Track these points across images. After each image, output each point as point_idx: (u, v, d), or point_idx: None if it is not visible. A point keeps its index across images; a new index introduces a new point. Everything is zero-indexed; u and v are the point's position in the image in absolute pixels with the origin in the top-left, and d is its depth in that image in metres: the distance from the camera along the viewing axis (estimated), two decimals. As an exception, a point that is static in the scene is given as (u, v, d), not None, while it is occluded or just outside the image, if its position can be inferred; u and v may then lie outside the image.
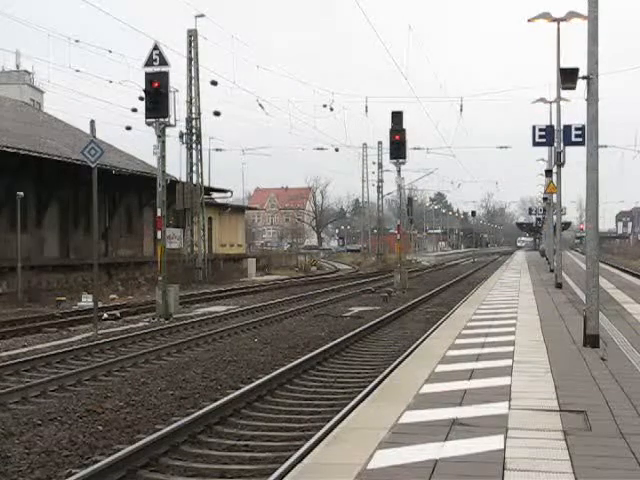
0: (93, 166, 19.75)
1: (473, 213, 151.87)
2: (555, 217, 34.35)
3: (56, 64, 40.44)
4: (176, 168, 41.37)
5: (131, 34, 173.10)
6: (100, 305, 22.34)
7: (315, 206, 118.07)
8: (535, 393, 8.63)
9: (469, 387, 8.96)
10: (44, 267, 32.28)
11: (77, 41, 36.21)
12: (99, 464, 7.74)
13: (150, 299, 27.78)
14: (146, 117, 24.09)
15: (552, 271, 34.28)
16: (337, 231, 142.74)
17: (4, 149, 29.28)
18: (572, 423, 7.22)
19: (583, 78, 12.29)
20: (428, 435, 6.79)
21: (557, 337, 13.51)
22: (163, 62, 23.85)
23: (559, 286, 27.24)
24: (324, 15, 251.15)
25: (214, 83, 42.17)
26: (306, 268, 62.28)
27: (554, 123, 27.41)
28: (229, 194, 53.23)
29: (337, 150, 63.04)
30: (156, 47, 24.06)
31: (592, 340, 12.13)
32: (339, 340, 17.05)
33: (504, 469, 5.79)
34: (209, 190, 47.93)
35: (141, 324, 22.51)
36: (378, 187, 71.79)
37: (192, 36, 41.24)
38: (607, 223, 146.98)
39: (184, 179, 41.90)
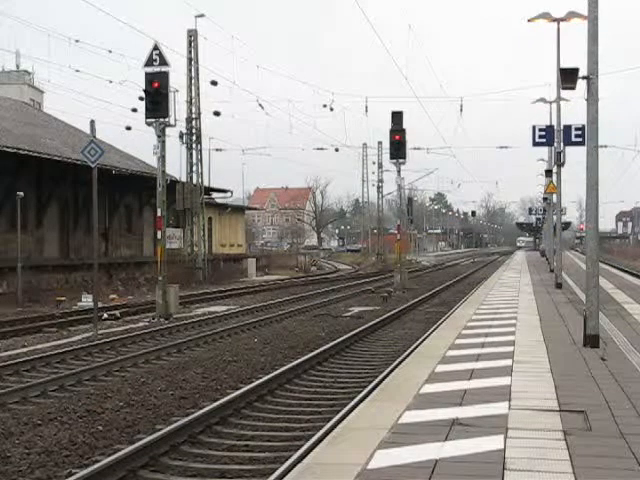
0: (93, 166, 19.75)
1: (473, 213, 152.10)
2: (555, 217, 34.35)
3: (56, 64, 40.53)
4: (176, 168, 41.46)
5: (131, 34, 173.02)
6: (100, 305, 22.33)
7: (315, 206, 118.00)
8: (535, 393, 8.63)
9: (469, 387, 8.96)
10: (44, 267, 32.29)
11: (77, 41, 36.36)
12: (99, 464, 7.74)
13: (150, 299, 27.78)
14: (146, 117, 24.10)
15: (552, 271, 34.28)
16: (337, 231, 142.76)
17: (4, 149, 29.29)
18: (572, 423, 7.22)
19: (583, 78, 12.29)
20: (428, 435, 6.79)
21: (557, 337, 13.51)
22: (163, 62, 23.86)
23: (559, 286, 27.24)
24: (324, 15, 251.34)
25: (214, 83, 42.20)
26: (306, 268, 62.28)
27: (554, 123, 27.41)
28: (229, 194, 53.29)
29: (337, 150, 63.07)
30: (156, 47, 24.08)
31: (592, 340, 12.13)
32: (339, 340, 17.05)
33: (504, 469, 5.79)
34: (209, 190, 47.94)
35: (141, 324, 22.51)
36: (378, 187, 71.84)
37: (192, 36, 41.23)
38: (607, 223, 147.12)
39: (184, 179, 41.91)
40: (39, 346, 17.64)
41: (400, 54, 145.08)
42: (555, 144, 26.23)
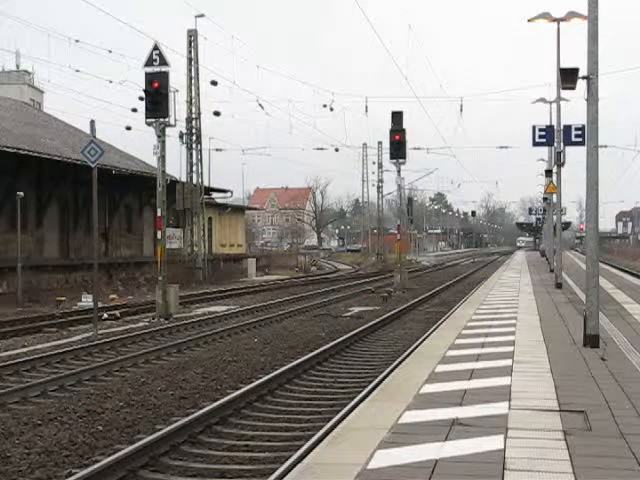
0: (93, 166, 19.75)
1: (473, 213, 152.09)
2: (555, 217, 34.35)
3: (56, 64, 40.55)
4: (176, 168, 41.46)
5: (131, 34, 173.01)
6: (100, 305, 22.33)
7: (315, 206, 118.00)
8: (535, 393, 8.63)
9: (469, 387, 8.96)
10: (44, 267, 32.29)
11: (77, 41, 36.37)
12: (99, 464, 7.74)
13: (150, 299, 27.78)
14: (146, 117, 24.10)
15: (552, 271, 34.28)
16: (337, 231, 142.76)
17: (4, 149, 29.29)
18: (572, 423, 7.22)
19: (583, 78, 12.29)
20: (428, 435, 6.79)
21: (557, 337, 13.51)
22: (163, 62, 23.86)
23: (559, 286, 27.24)
24: (324, 15, 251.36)
25: (214, 83, 42.20)
26: (306, 268, 62.28)
27: (554, 123, 27.41)
28: (229, 194, 53.29)
29: (337, 150, 63.07)
30: (156, 47, 24.08)
31: (592, 340, 12.13)
32: (339, 340, 17.05)
33: (504, 469, 5.79)
34: (209, 190, 47.94)
35: (141, 324, 22.51)
36: (378, 187, 71.83)
37: (192, 36, 41.23)
38: (607, 223, 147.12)
39: (184, 179, 41.91)
40: (39, 346, 17.64)
41: (400, 54, 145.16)
42: (555, 144, 26.23)
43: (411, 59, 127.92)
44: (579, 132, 22.71)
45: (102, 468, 7.60)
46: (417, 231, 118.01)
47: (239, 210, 62.32)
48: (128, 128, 42.19)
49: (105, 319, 22.99)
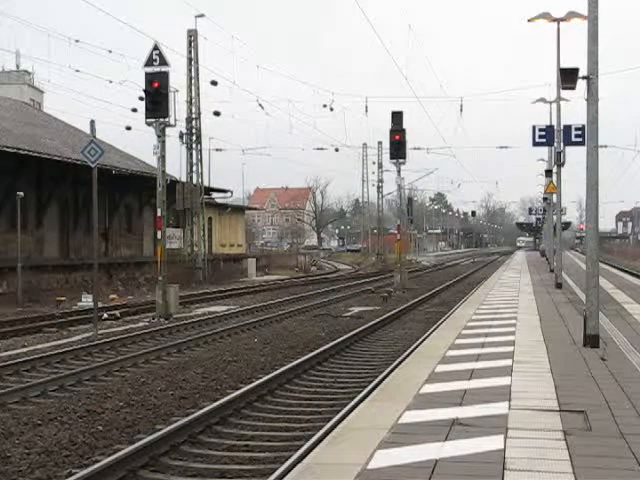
0: (93, 166, 19.75)
1: (473, 213, 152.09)
2: (555, 217, 34.35)
3: (56, 64, 40.56)
4: (176, 168, 41.46)
5: (131, 34, 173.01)
6: (100, 305, 22.33)
7: (315, 206, 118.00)
8: (535, 393, 8.63)
9: (469, 387, 8.96)
10: (44, 267, 32.29)
11: (77, 41, 36.38)
12: (99, 464, 7.74)
13: (150, 299, 27.79)
14: (146, 117, 24.10)
15: (552, 271, 34.28)
16: (337, 231, 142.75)
17: (4, 149, 29.29)
18: (572, 423, 7.22)
19: (583, 78, 12.29)
20: (428, 435, 6.79)
21: (557, 337, 13.51)
22: (163, 62, 23.86)
23: (559, 286, 27.24)
24: (324, 15, 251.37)
25: (214, 83, 42.20)
26: (306, 268, 62.29)
27: (554, 123, 27.41)
28: (229, 194, 53.29)
29: (337, 150, 63.07)
30: (156, 47, 24.07)
31: (592, 340, 12.13)
32: (339, 340, 17.05)
33: (504, 469, 5.79)
34: (209, 190, 47.94)
35: (141, 324, 22.51)
36: (378, 187, 71.84)
37: (192, 36, 41.23)
38: (607, 223, 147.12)
39: (184, 179, 41.91)
40: (39, 346, 17.64)
41: (400, 54, 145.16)
42: (555, 144, 26.23)
43: (411, 59, 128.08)
44: (579, 132, 22.71)
45: (102, 468, 7.60)
46: (417, 231, 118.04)
47: (239, 210, 62.32)
48: (128, 128, 42.22)
49: (105, 319, 22.99)
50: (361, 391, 11.30)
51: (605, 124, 13.91)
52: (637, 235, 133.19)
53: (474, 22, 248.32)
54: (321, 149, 62.36)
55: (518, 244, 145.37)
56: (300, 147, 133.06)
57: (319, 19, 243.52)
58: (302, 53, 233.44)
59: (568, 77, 12.76)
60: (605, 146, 38.09)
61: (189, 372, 13.68)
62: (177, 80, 56.31)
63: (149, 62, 23.86)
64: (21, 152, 30.38)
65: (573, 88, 12.89)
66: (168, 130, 25.70)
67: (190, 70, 41.63)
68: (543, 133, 25.35)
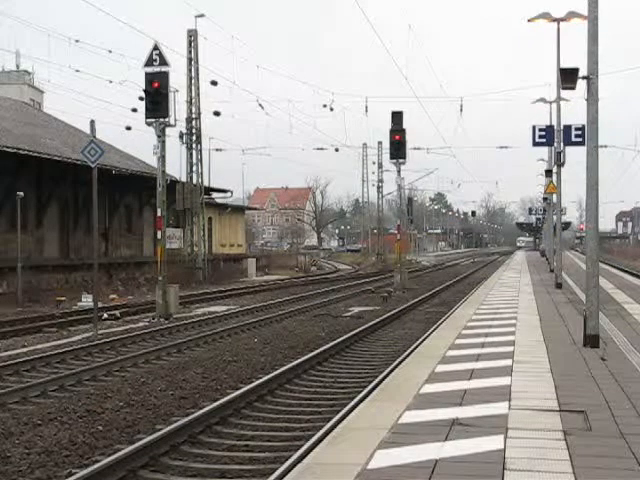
0: (93, 166, 19.75)
1: (473, 213, 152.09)
2: (555, 217, 34.35)
3: (56, 64, 40.56)
4: (176, 168, 41.46)
5: (131, 34, 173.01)
6: (100, 305, 22.33)
7: (315, 206, 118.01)
8: (535, 393, 8.63)
9: (469, 387, 8.96)
10: (44, 267, 32.29)
11: (77, 41, 36.38)
12: (99, 464, 7.74)
13: (150, 299, 27.78)
14: (146, 117, 24.10)
15: (552, 271, 34.28)
16: (337, 231, 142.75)
17: (4, 149, 29.29)
18: (572, 423, 7.21)
19: (583, 78, 12.29)
20: (428, 435, 6.79)
21: (557, 337, 13.51)
22: (163, 62, 23.86)
23: (559, 286, 27.24)
24: (324, 15, 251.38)
25: (214, 83, 42.20)
26: (306, 268, 62.28)
27: (554, 123, 27.41)
28: (229, 194, 53.29)
29: (337, 150, 63.07)
30: (156, 47, 24.07)
31: (592, 340, 12.13)
32: (339, 340, 17.05)
33: (504, 469, 5.79)
34: (209, 190, 47.95)
35: (141, 324, 22.51)
36: (378, 187, 71.84)
37: (192, 36, 41.23)
38: (607, 223, 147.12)
39: (184, 179, 41.91)
40: (39, 346, 17.64)
41: (400, 54, 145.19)
42: (555, 144, 26.22)
43: (411, 59, 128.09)
44: (579, 132, 22.71)
45: (102, 468, 7.60)
46: (417, 231, 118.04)
47: (239, 210, 62.32)
48: (128, 128, 42.22)
49: (105, 319, 22.99)
50: (361, 391, 11.30)
51: (605, 124, 13.93)
52: (637, 235, 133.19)
53: (474, 22, 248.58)
54: (321, 149, 62.42)
55: (518, 244, 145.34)
56: (300, 147, 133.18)
57: (319, 19, 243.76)
58: (302, 53, 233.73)
59: (568, 77, 12.76)
60: (605, 146, 38.11)
61: (189, 372, 13.68)
62: (177, 80, 56.38)
63: (149, 62, 23.86)
64: (21, 152, 30.39)
65: (573, 88, 12.89)
66: (168, 130, 25.75)
67: (190, 70, 41.64)
68: (543, 133, 25.35)
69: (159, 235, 25.24)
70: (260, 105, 45.78)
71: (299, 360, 14.29)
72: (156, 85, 23.58)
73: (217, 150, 58.81)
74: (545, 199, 47.85)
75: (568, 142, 24.20)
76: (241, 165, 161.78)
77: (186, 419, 9.54)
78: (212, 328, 20.80)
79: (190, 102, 41.75)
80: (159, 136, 24.53)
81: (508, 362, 10.69)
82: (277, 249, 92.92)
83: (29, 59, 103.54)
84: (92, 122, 20.54)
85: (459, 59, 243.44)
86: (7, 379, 13.47)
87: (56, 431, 9.49)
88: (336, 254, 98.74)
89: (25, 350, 16.90)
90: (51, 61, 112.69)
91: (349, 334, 18.10)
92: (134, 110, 36.12)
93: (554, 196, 34.22)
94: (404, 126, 36.11)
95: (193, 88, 41.92)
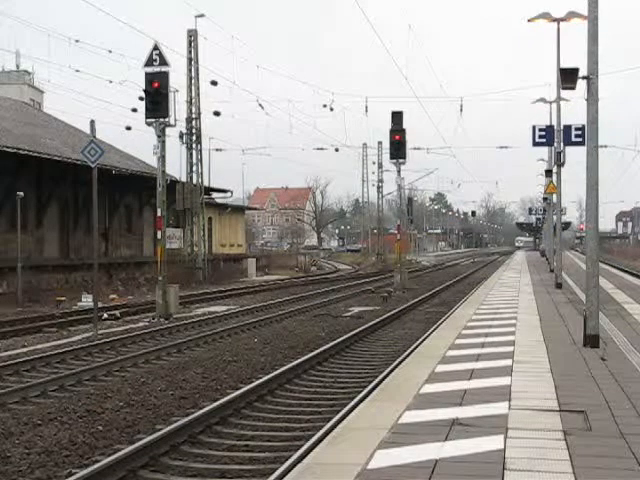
0: (93, 166, 19.75)
1: (473, 213, 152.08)
2: (555, 217, 34.35)
3: (56, 64, 40.57)
4: (176, 168, 41.46)
5: (131, 34, 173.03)
6: (100, 305, 22.33)
7: (315, 206, 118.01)
8: (535, 393, 8.63)
9: (469, 387, 8.96)
10: (44, 267, 32.29)
11: (77, 41, 36.38)
12: (99, 464, 7.74)
13: (150, 299, 27.78)
14: (146, 117, 24.10)
15: (552, 271, 34.28)
16: (337, 231, 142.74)
17: (4, 149, 29.29)
18: (572, 423, 7.21)
19: (583, 78, 12.29)
20: (428, 435, 6.79)
21: (557, 337, 13.51)
22: (163, 62, 23.86)
23: (559, 286, 27.24)
24: (324, 15, 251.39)
25: (214, 83, 42.20)
26: (306, 268, 62.28)
27: (554, 123, 27.41)
28: (229, 194, 53.29)
29: (337, 150, 63.07)
30: (156, 47, 24.08)
31: (592, 340, 12.13)
32: (339, 340, 17.05)
33: (504, 469, 5.79)
34: (209, 190, 47.95)
35: (141, 324, 22.51)
36: (378, 187, 71.84)
37: (192, 36, 41.23)
38: (607, 223, 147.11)
39: (184, 179, 41.91)
40: (39, 346, 17.64)
41: (400, 54, 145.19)
42: (555, 144, 26.22)
43: (411, 59, 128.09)
44: (579, 132, 22.71)
45: (102, 468, 7.60)
46: (417, 231, 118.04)
47: (239, 210, 62.32)
48: (128, 128, 42.22)
49: (105, 319, 22.99)
50: (361, 391, 11.30)
51: (605, 124, 13.93)
52: (637, 235, 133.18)
53: (474, 22, 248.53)
54: (321, 149, 62.42)
55: (517, 244, 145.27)
56: (300, 147, 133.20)
57: (319, 19, 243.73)
58: (302, 53, 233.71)
59: (568, 77, 12.76)
60: (605, 146, 38.11)
61: (189, 372, 13.68)
62: (177, 80, 56.36)
63: (149, 62, 23.86)
64: (21, 152, 30.39)
65: (573, 88, 12.89)
66: (168, 130, 25.75)
67: (190, 70, 41.64)
68: (543, 133, 25.35)
69: (159, 235, 25.24)
70: (260, 105, 45.84)
71: (299, 360, 14.29)
72: (156, 85, 23.58)
73: (217, 150, 58.87)
74: (545, 199, 47.85)
75: (568, 142, 24.20)
76: (241, 165, 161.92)
77: (186, 419, 9.54)
78: (212, 328, 20.80)
79: (190, 102, 41.75)
80: (159, 136, 24.54)
81: (508, 362, 10.69)
82: (277, 249, 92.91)
83: (29, 59, 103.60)
84: (92, 122, 20.54)
85: (459, 59, 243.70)
86: (7, 379, 13.47)
87: (56, 431, 9.49)
88: (336, 254, 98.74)
89: (25, 350, 16.90)
90: (51, 61, 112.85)
91: (349, 334, 18.10)
92: (134, 110, 36.16)
93: (554, 196, 34.21)
94: (404, 126, 36.14)
95: (193, 88, 41.93)
